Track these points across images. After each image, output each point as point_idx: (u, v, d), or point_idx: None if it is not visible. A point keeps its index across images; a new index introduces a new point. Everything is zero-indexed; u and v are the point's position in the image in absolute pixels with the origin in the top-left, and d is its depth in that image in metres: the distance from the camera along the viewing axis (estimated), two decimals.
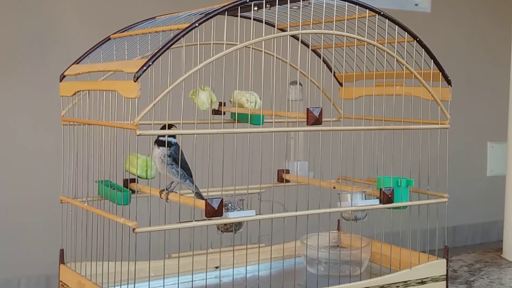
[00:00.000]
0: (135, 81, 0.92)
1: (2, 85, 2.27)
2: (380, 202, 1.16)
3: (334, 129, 1.12)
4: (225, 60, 1.00)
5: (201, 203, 0.99)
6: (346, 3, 1.09)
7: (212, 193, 1.12)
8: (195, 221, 1.00)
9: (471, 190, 3.26)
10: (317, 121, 1.05)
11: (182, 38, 0.95)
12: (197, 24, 0.97)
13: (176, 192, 1.09)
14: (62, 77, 1.17)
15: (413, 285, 1.17)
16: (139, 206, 1.06)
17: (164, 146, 1.09)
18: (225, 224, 1.18)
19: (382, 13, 1.12)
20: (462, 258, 1.55)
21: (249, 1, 1.03)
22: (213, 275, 1.24)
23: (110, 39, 1.16)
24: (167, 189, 1.11)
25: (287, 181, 1.37)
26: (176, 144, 1.11)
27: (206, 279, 1.13)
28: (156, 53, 0.93)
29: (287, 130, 1.17)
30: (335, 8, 1.10)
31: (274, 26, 1.18)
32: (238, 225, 1.20)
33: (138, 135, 0.93)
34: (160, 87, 0.97)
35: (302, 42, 1.20)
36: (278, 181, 1.38)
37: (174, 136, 1.11)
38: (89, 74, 1.08)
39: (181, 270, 1.07)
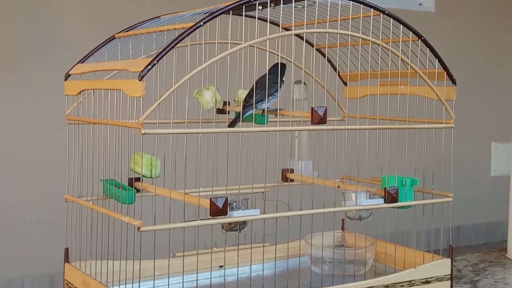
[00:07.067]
0: (140, 80, 0.92)
1: (7, 84, 2.28)
2: (385, 202, 1.16)
3: (338, 128, 1.12)
4: (230, 59, 1.00)
5: (206, 202, 0.99)
6: (351, 2, 1.09)
7: (217, 192, 1.12)
8: (199, 220, 1.00)
9: (475, 190, 3.25)
10: (322, 120, 1.05)
11: (187, 37, 0.95)
12: (201, 23, 0.97)
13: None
14: (67, 76, 1.17)
15: (417, 285, 1.17)
16: (144, 205, 1.06)
17: None
18: (229, 223, 1.18)
19: (387, 12, 1.12)
20: (467, 257, 1.55)
21: (254, 1, 1.03)
22: (218, 274, 1.24)
23: (115, 38, 1.16)
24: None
25: (292, 180, 1.37)
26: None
27: (210, 278, 1.13)
28: (161, 52, 0.93)
29: (291, 129, 1.17)
30: (339, 7, 1.10)
31: (278, 25, 1.18)
32: (243, 224, 1.20)
33: (143, 134, 0.94)
34: (164, 86, 0.97)
35: (306, 41, 1.20)
36: (282, 180, 1.38)
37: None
38: (94, 73, 1.09)
39: (185, 269, 1.07)
